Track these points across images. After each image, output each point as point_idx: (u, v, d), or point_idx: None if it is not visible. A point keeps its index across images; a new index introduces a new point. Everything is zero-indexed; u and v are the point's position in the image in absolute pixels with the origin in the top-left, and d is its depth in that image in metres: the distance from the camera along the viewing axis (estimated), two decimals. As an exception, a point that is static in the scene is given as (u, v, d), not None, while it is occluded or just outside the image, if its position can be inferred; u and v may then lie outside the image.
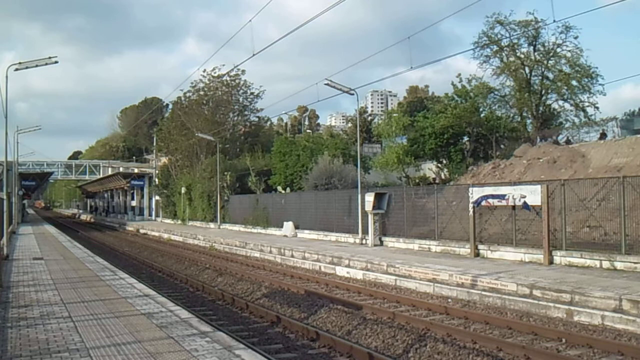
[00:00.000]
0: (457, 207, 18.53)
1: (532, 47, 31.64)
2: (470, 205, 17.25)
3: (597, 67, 30.76)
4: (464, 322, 10.47)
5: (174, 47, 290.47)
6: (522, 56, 31.80)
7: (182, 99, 49.30)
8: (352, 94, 24.11)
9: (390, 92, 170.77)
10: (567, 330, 9.45)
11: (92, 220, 71.26)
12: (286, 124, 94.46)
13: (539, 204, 15.14)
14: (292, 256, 20.62)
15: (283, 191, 33.93)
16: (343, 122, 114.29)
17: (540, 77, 31.69)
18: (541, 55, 31.32)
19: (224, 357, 6.12)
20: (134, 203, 60.61)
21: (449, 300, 12.48)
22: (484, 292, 12.07)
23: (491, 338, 9.14)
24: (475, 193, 17.17)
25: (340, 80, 24.35)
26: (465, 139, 30.77)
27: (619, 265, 13.26)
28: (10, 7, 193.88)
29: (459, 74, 32.64)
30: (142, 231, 42.69)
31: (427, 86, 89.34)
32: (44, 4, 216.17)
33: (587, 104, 31.42)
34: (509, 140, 30.86)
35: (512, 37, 31.19)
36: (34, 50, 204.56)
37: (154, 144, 57.89)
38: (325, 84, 23.12)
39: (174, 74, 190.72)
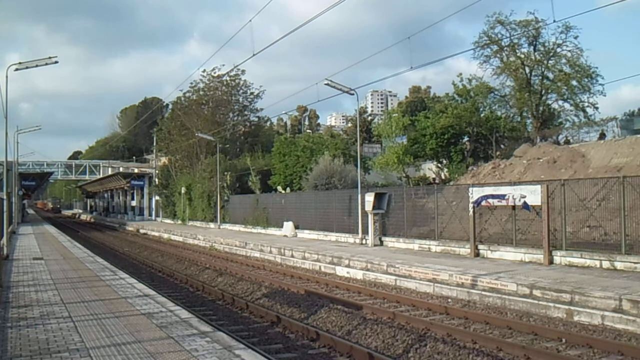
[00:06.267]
0: (457, 207, 18.53)
1: (532, 47, 31.70)
2: (470, 205, 17.24)
3: (597, 67, 30.86)
4: (464, 322, 10.47)
5: (178, 48, 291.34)
6: (522, 56, 31.83)
7: (182, 99, 49.37)
8: (352, 94, 24.10)
9: (390, 92, 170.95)
10: (567, 330, 9.45)
11: (92, 220, 71.29)
12: (286, 123, 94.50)
13: (539, 204, 15.13)
14: (292, 256, 20.62)
15: (283, 191, 33.93)
16: (343, 122, 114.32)
17: (540, 77, 31.72)
18: (541, 55, 31.34)
19: (224, 357, 6.12)
20: (134, 203, 60.61)
21: (449, 300, 12.48)
22: (484, 292, 12.07)
23: (491, 338, 9.14)
24: (475, 193, 17.17)
25: (341, 81, 24.36)
26: (466, 139, 30.80)
27: (619, 265, 13.26)
28: (15, 9, 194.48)
29: (460, 74, 32.72)
30: (142, 231, 42.70)
31: (429, 87, 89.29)
32: (48, 6, 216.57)
33: (587, 104, 31.51)
34: (509, 140, 30.90)
35: (512, 37, 31.22)
36: (38, 52, 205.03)
37: (154, 144, 57.92)
38: (326, 84, 23.11)
39: (176, 74, 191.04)
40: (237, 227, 35.13)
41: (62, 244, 24.77)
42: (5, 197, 26.15)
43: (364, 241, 22.16)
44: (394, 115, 32.11)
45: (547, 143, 26.88)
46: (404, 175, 30.36)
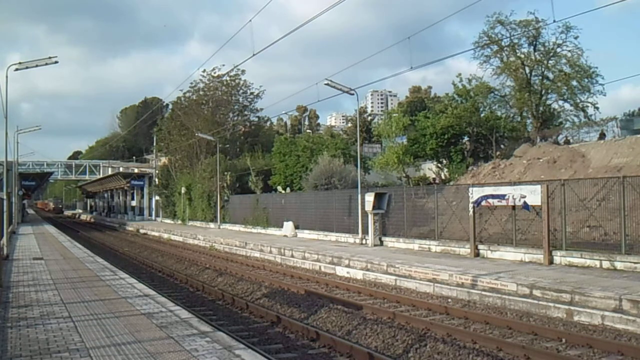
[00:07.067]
0: (457, 207, 18.52)
1: (532, 47, 31.67)
2: (470, 205, 17.24)
3: (597, 67, 30.85)
4: (464, 322, 10.47)
5: (178, 49, 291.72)
6: (523, 56, 31.81)
7: (182, 99, 49.37)
8: (352, 94, 24.09)
9: (390, 92, 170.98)
10: (567, 330, 9.45)
11: (92, 220, 71.30)
12: (286, 123, 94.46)
13: (539, 204, 15.13)
14: (292, 256, 20.62)
15: (283, 191, 33.93)
16: (343, 122, 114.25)
17: (540, 77, 31.70)
18: (541, 55, 31.32)
19: (224, 357, 6.12)
20: (134, 203, 60.61)
21: (449, 300, 12.48)
22: (484, 292, 12.07)
23: (491, 338, 9.14)
24: (475, 193, 17.16)
25: (341, 81, 24.36)
26: (466, 139, 30.77)
27: (619, 265, 13.26)
28: (16, 9, 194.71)
29: (460, 74, 32.70)
30: (142, 231, 42.70)
31: (429, 87, 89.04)
32: (49, 6, 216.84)
33: (587, 104, 31.49)
34: (509, 140, 30.86)
35: (512, 37, 31.21)
36: (39, 52, 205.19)
37: (154, 144, 57.91)
38: (326, 84, 23.10)
39: (177, 74, 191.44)
40: (237, 227, 35.13)
41: (62, 244, 24.76)
42: (5, 197, 26.15)
43: (364, 241, 22.16)
44: (394, 115, 32.08)
45: (547, 143, 26.87)
46: (404, 175, 30.32)
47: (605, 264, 13.50)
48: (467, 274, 13.15)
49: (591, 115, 31.33)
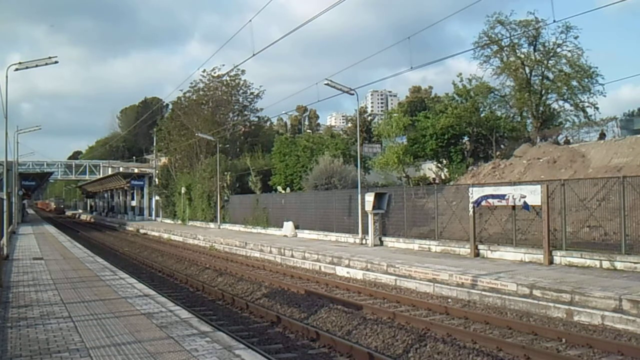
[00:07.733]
0: (457, 207, 18.52)
1: (532, 47, 31.66)
2: (470, 205, 17.24)
3: (597, 67, 30.83)
4: (464, 322, 10.47)
5: (178, 49, 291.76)
6: (523, 56, 31.79)
7: (182, 99, 49.38)
8: (352, 94, 24.10)
9: (390, 92, 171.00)
10: (567, 330, 9.45)
11: (92, 220, 71.31)
12: (286, 123, 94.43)
13: (539, 204, 15.13)
14: (292, 256, 20.62)
15: (283, 191, 33.93)
16: (343, 122, 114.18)
17: (540, 77, 31.68)
18: (541, 55, 31.31)
19: (224, 357, 6.12)
20: (134, 203, 60.61)
21: (449, 300, 12.48)
22: (484, 292, 12.07)
23: (491, 338, 9.14)
24: (475, 193, 17.16)
25: (341, 81, 24.38)
26: (466, 139, 30.76)
27: (619, 265, 13.26)
28: (16, 9, 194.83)
29: (460, 74, 32.68)
30: (142, 231, 42.70)
31: (430, 87, 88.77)
32: (49, 6, 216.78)
33: (587, 104, 31.48)
34: (509, 140, 30.85)
35: (512, 37, 31.20)
36: (39, 52, 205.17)
37: (154, 144, 57.93)
38: (326, 84, 23.10)
39: (177, 74, 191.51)
40: (237, 227, 35.13)
41: (62, 244, 24.76)
42: (5, 197, 26.15)
43: (364, 241, 22.16)
44: (394, 115, 32.06)
45: (547, 143, 26.86)
46: (404, 175, 30.32)
47: (605, 264, 13.50)
48: (467, 274, 13.15)
49: (591, 115, 31.33)
